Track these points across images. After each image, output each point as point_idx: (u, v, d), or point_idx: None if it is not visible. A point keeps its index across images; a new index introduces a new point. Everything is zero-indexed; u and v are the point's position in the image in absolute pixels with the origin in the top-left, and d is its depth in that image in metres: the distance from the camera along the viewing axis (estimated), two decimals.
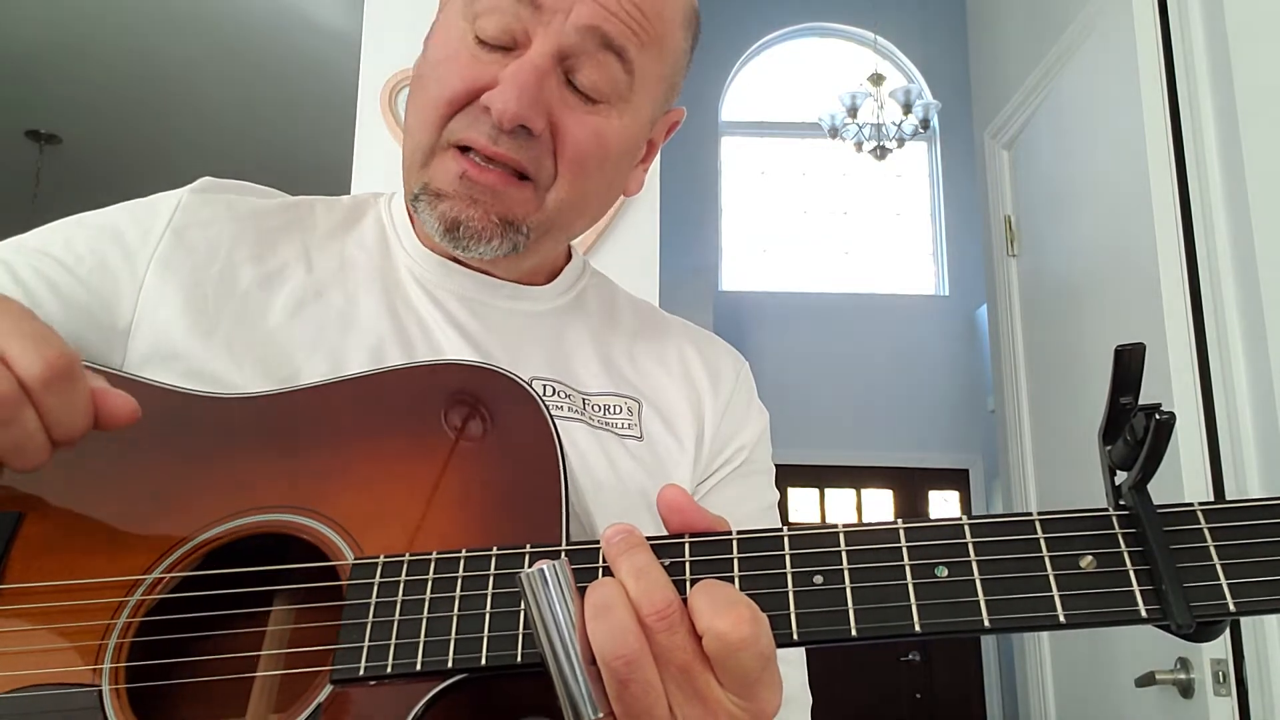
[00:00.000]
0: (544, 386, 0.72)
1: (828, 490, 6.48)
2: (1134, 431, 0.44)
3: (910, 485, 6.53)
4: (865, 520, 0.49)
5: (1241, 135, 1.74)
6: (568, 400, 0.72)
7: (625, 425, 0.74)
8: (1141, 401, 0.45)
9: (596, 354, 0.78)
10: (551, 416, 0.56)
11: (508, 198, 0.67)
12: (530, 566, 0.45)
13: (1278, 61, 1.75)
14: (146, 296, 0.67)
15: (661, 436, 0.75)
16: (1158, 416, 0.43)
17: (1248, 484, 1.65)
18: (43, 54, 4.50)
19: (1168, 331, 1.83)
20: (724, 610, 0.43)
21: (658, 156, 0.90)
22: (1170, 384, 1.81)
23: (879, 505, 6.56)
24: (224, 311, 0.68)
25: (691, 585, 0.46)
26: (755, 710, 0.45)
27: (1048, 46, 2.44)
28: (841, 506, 6.49)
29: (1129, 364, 0.43)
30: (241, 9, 4.21)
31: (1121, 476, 0.47)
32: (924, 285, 6.97)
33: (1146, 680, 1.78)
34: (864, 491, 6.55)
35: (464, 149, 0.67)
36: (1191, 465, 1.76)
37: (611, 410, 0.74)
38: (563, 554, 0.47)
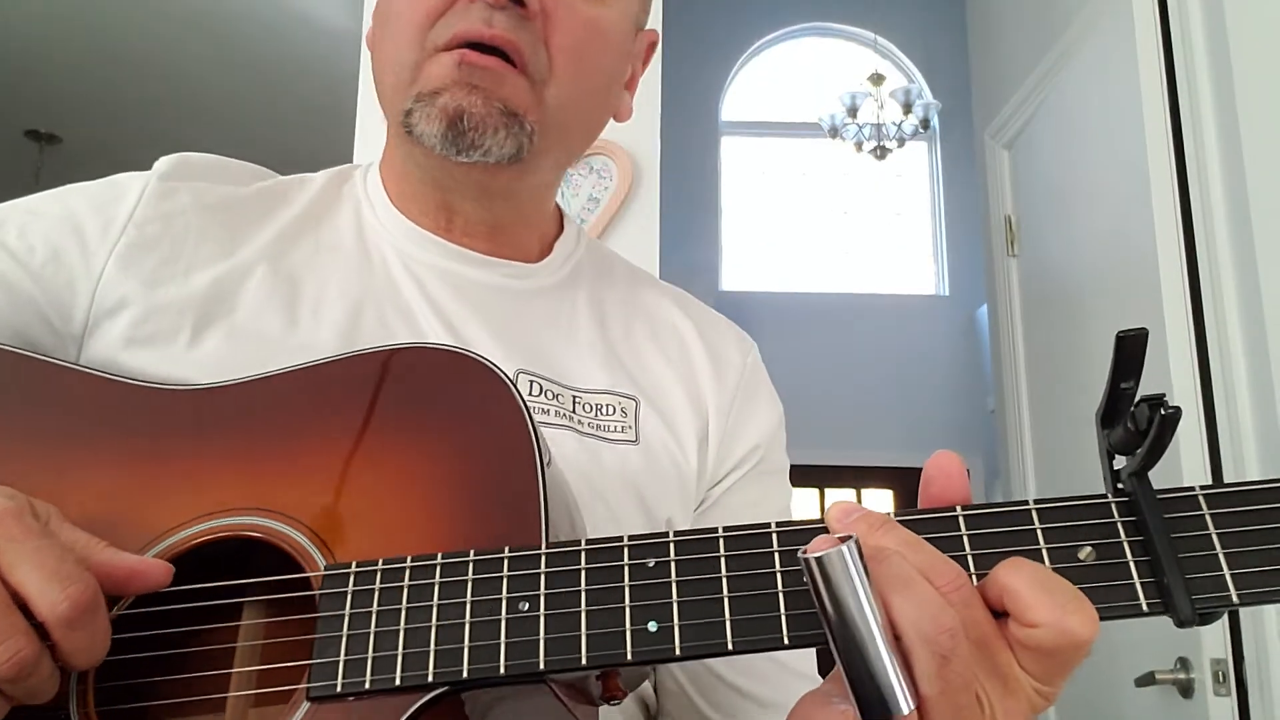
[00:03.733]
0: (531, 384, 0.68)
1: (828, 490, 6.48)
2: (1136, 421, 0.44)
3: (911, 485, 6.53)
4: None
5: (1241, 135, 1.74)
6: (556, 402, 0.68)
7: (619, 428, 0.69)
8: (1143, 390, 0.44)
9: (592, 341, 0.73)
10: (527, 406, 0.53)
11: (507, 83, 0.63)
12: (812, 546, 0.41)
13: (1278, 61, 1.75)
14: (103, 297, 0.63)
15: (659, 438, 0.71)
16: (1163, 411, 0.42)
17: None
18: (43, 54, 4.49)
19: (1168, 330, 1.83)
20: (1073, 608, 0.40)
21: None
22: (1171, 382, 1.81)
23: (879, 506, 6.51)
24: (186, 314, 0.63)
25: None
26: (1051, 694, 0.42)
27: (1048, 46, 2.44)
28: None
29: (1131, 348, 0.42)
30: (242, 9, 4.21)
31: (1120, 461, 0.46)
32: (924, 285, 6.97)
33: (1146, 680, 1.78)
34: (864, 491, 6.55)
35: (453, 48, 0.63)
36: (1192, 465, 1.76)
37: (605, 411, 0.69)
38: (852, 534, 0.42)
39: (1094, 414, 0.46)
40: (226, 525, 0.51)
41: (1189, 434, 1.78)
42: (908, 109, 5.64)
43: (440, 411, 0.53)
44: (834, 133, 5.77)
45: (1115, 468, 0.46)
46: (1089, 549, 0.44)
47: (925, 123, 5.71)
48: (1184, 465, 1.75)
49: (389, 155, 0.74)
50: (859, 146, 5.85)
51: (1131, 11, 1.98)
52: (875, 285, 6.89)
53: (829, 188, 7.10)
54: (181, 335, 0.63)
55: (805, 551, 0.41)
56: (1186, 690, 1.75)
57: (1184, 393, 1.80)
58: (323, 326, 0.65)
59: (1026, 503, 0.45)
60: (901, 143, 5.83)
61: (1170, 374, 1.81)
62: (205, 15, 4.24)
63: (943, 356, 6.60)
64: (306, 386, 0.56)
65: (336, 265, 0.69)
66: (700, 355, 0.76)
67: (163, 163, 0.70)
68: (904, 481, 6.54)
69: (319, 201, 0.73)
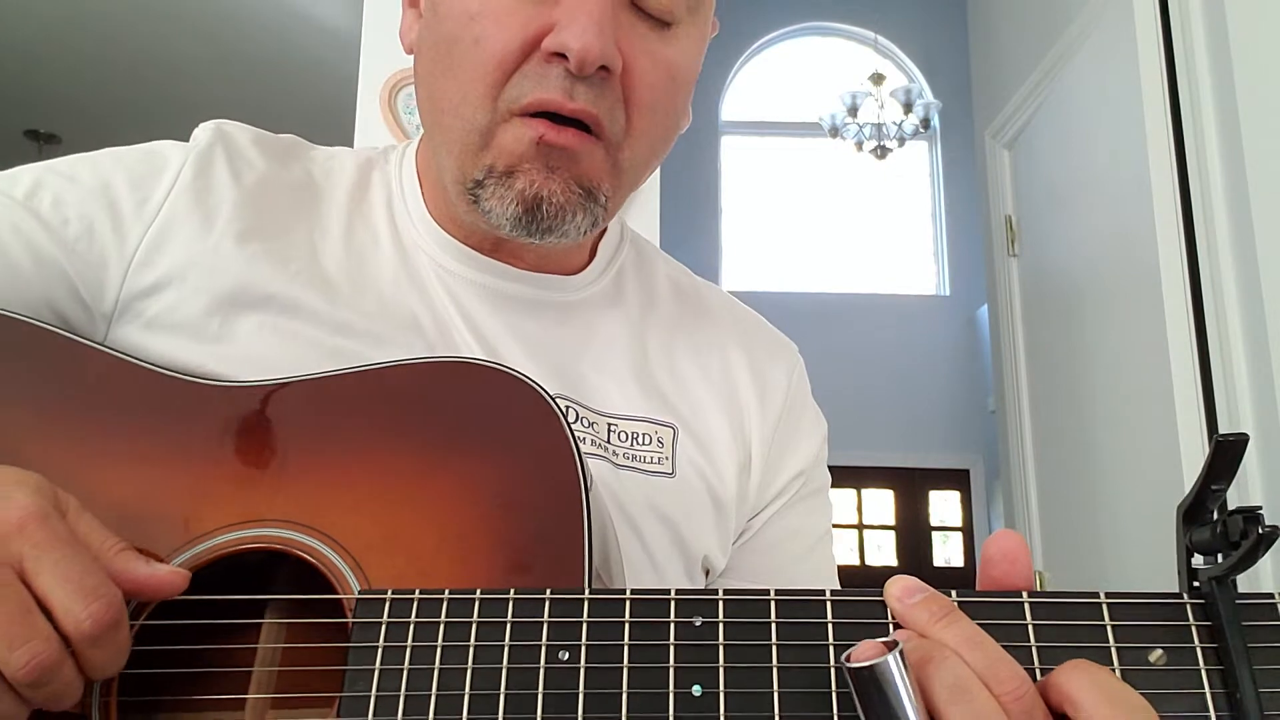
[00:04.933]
0: (567, 410, 0.64)
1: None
2: (1228, 530, 0.42)
3: (911, 485, 6.53)
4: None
5: (1242, 134, 1.74)
6: (591, 430, 0.65)
7: (655, 459, 0.66)
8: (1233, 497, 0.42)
9: (630, 361, 0.70)
10: (575, 437, 0.51)
11: (583, 159, 0.58)
12: (857, 653, 0.39)
13: (1278, 60, 1.75)
14: (135, 278, 0.61)
15: (697, 470, 0.68)
16: (1261, 530, 0.40)
17: (1248, 485, 1.65)
18: (42, 54, 4.50)
19: (1169, 330, 1.83)
20: None
21: None
22: (1171, 382, 1.81)
23: (879, 505, 6.56)
24: (218, 303, 0.61)
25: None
26: None
27: (1049, 46, 2.44)
28: (842, 507, 6.49)
29: (1229, 453, 0.41)
30: (242, 9, 4.21)
31: (1198, 560, 0.44)
32: (924, 285, 6.97)
33: None
34: (864, 491, 6.56)
35: (531, 114, 0.57)
36: (1192, 466, 1.76)
37: (640, 440, 0.66)
38: (897, 640, 0.40)
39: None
40: (259, 537, 0.50)
41: (1189, 438, 1.78)
42: (908, 109, 5.65)
43: (488, 434, 0.52)
44: (834, 132, 5.78)
45: (1193, 565, 0.44)
46: (1160, 651, 0.42)
47: (925, 122, 5.71)
48: (1185, 468, 1.75)
49: (434, 185, 0.68)
50: (859, 146, 5.85)
51: (1132, 11, 1.98)
52: (875, 285, 6.90)
53: (829, 188, 7.10)
54: (211, 324, 0.60)
55: (848, 659, 0.39)
56: None
57: (1184, 394, 1.80)
58: (358, 334, 0.62)
59: (1098, 595, 0.44)
60: (901, 142, 5.83)
61: (1170, 374, 1.81)
62: (205, 15, 4.24)
63: (943, 357, 6.61)
64: (347, 394, 0.54)
65: (370, 271, 0.66)
66: (745, 378, 0.73)
67: (202, 134, 0.68)
68: (903, 481, 6.54)
69: (352, 198, 0.69)
